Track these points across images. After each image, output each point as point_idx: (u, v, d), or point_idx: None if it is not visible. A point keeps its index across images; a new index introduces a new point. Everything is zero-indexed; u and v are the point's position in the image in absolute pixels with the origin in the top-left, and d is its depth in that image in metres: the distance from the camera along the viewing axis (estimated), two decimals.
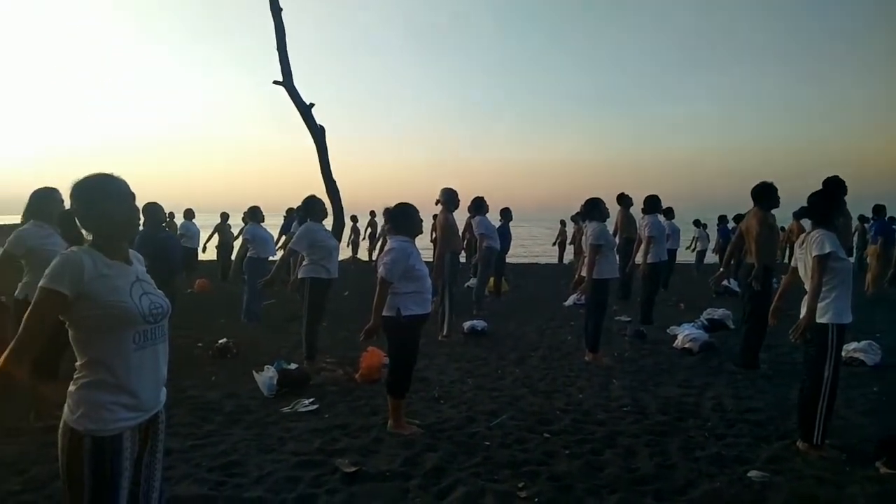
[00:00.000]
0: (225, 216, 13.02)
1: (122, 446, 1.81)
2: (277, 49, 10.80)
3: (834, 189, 4.41)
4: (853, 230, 12.06)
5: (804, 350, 3.77)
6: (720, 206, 16.75)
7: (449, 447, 3.74)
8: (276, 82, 10.82)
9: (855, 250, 12.02)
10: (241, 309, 8.04)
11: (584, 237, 6.29)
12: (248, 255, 8.08)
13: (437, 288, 6.63)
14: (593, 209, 6.02)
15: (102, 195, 1.87)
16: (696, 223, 15.73)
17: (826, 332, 3.56)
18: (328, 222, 6.77)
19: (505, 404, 4.64)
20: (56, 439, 1.81)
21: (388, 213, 4.96)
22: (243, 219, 9.71)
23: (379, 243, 14.55)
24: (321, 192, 10.31)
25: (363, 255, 17.11)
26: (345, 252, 15.04)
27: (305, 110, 10.89)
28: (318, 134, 10.95)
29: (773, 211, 5.77)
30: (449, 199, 7.11)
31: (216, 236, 12.76)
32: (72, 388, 1.81)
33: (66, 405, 1.81)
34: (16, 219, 4.24)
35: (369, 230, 16.92)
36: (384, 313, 3.91)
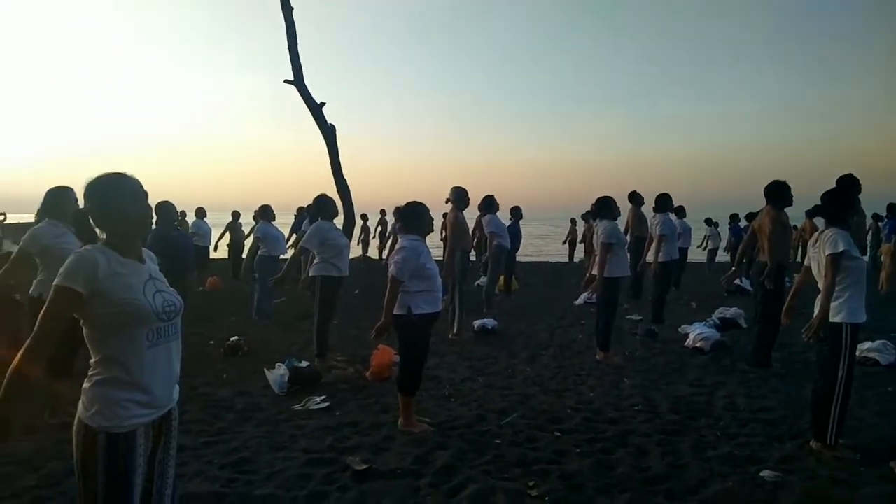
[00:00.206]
0: (236, 215, 13.10)
1: (135, 443, 1.82)
2: (288, 48, 10.78)
3: (847, 187, 4.37)
4: (867, 228, 11.93)
5: (817, 349, 3.74)
6: (730, 206, 16.64)
7: (459, 445, 3.74)
8: (287, 81, 10.83)
9: (869, 249, 11.88)
10: (252, 307, 8.10)
11: (595, 235, 6.26)
12: (259, 253, 8.12)
13: (447, 286, 6.62)
14: (604, 207, 6.01)
15: (116, 194, 1.88)
16: (708, 221, 15.65)
17: (840, 332, 3.52)
18: (339, 221, 6.79)
19: (515, 403, 4.64)
20: (71, 436, 1.83)
21: (399, 211, 4.97)
22: (254, 217, 9.77)
23: (389, 242, 14.56)
24: (332, 191, 10.35)
25: (373, 253, 17.15)
26: (355, 250, 15.08)
27: (316, 109, 10.87)
28: (328, 133, 10.94)
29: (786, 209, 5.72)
30: (459, 197, 7.11)
31: (227, 235, 12.83)
32: (86, 385, 1.83)
33: (80, 402, 1.83)
34: (23, 217, 4.29)
35: (380, 229, 16.95)
36: (395, 311, 3.92)
